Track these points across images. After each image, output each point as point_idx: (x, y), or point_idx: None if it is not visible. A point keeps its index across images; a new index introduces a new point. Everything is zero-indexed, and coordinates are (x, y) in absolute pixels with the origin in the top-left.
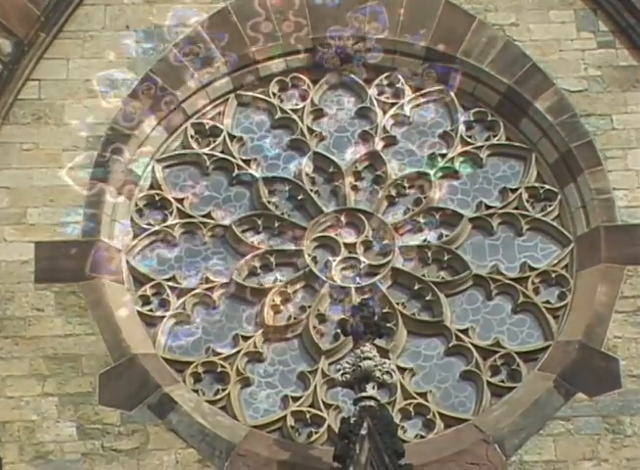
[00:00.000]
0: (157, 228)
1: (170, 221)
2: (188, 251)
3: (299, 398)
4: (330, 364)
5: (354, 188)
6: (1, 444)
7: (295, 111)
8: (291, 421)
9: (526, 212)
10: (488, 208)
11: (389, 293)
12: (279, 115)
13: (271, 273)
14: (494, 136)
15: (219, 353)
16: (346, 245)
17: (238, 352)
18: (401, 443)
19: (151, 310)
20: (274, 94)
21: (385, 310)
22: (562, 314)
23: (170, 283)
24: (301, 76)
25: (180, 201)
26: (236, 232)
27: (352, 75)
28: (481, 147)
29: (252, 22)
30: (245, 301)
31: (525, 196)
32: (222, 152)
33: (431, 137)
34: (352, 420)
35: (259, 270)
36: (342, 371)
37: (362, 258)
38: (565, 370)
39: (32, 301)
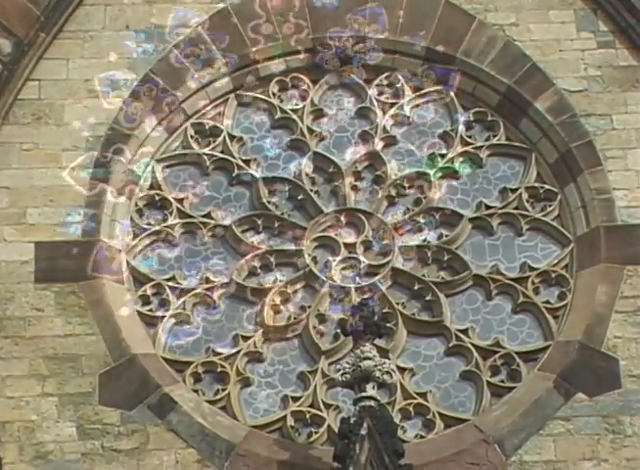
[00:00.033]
0: (157, 228)
1: (170, 221)
2: (188, 251)
3: (299, 398)
4: (330, 364)
5: (354, 188)
6: (1, 444)
7: (294, 111)
8: (291, 421)
9: (526, 212)
10: (488, 208)
11: (389, 293)
12: (279, 115)
13: (271, 273)
14: (494, 136)
15: (219, 353)
16: (346, 245)
17: (238, 352)
18: (401, 443)
19: (151, 310)
20: (274, 94)
21: (384, 310)
22: (562, 314)
23: (170, 283)
24: (301, 76)
25: (180, 201)
26: (236, 232)
27: (352, 76)
28: (481, 147)
29: (253, 23)
30: (245, 301)
31: (525, 196)
32: (222, 152)
33: (430, 137)
34: (352, 420)
35: (259, 270)
36: (341, 371)
37: (362, 258)
38: (565, 370)
39: (32, 301)
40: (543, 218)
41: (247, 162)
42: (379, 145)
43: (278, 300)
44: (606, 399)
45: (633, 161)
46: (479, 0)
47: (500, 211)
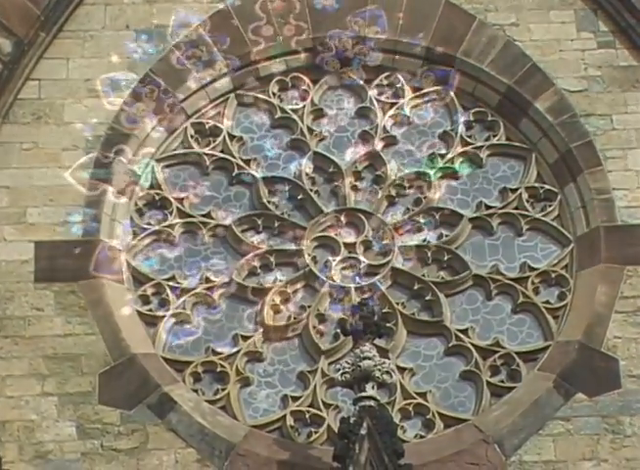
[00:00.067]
0: (157, 228)
1: (170, 221)
2: (188, 250)
3: (299, 397)
4: (329, 364)
5: (354, 188)
6: (1, 443)
7: (295, 111)
8: (290, 421)
9: (526, 212)
10: (488, 208)
11: (389, 293)
12: (279, 114)
13: (271, 273)
14: (494, 136)
15: (219, 353)
16: (346, 245)
17: (237, 351)
18: (401, 442)
19: (150, 310)
20: (274, 94)
21: (384, 310)
22: (562, 314)
23: (170, 283)
24: (301, 76)
25: (180, 201)
26: (236, 232)
27: (352, 76)
28: (481, 147)
29: (254, 25)
30: (245, 300)
31: (524, 196)
32: (222, 152)
33: (430, 137)
34: (352, 420)
35: (259, 270)
36: (341, 371)
37: (362, 258)
38: (564, 370)
39: (32, 300)
40: (543, 218)
41: (247, 161)
42: (379, 145)
43: (278, 299)
44: (606, 399)
45: (633, 161)
46: (479, 0)
47: (500, 211)
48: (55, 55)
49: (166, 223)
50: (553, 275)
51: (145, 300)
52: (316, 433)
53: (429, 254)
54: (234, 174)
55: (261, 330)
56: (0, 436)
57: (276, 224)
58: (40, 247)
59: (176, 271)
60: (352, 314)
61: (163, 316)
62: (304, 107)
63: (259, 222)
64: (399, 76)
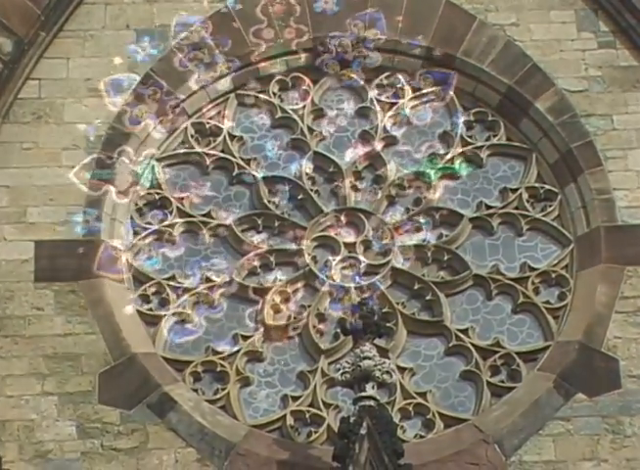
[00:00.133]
0: (157, 228)
1: (170, 221)
2: (188, 250)
3: (299, 397)
4: (329, 364)
5: (354, 188)
6: (1, 443)
7: (295, 110)
8: (290, 421)
9: (527, 213)
10: (488, 208)
11: (389, 292)
12: (279, 114)
13: (271, 273)
14: (494, 136)
15: (219, 353)
16: (346, 244)
17: (237, 351)
18: (401, 442)
19: (151, 310)
20: (274, 94)
21: (384, 310)
22: (562, 314)
23: (171, 282)
24: (302, 76)
25: (180, 200)
26: (236, 231)
27: (352, 76)
28: (482, 147)
29: (255, 28)
30: (245, 300)
31: (525, 196)
32: (222, 151)
33: (430, 137)
34: (352, 420)
35: (259, 270)
36: (341, 371)
37: (362, 258)
38: (565, 370)
39: (32, 300)
40: (543, 218)
41: (247, 161)
42: (379, 145)
43: (278, 299)
44: (606, 399)
45: (633, 161)
46: (479, 0)
47: (500, 211)
48: (55, 54)
49: (167, 223)
50: (553, 275)
51: (145, 299)
52: (316, 433)
53: (428, 254)
54: (234, 174)
55: (261, 330)
56: (0, 435)
57: (276, 224)
58: (40, 246)
59: (176, 271)
60: (352, 314)
61: (164, 316)
62: (305, 106)
63: (260, 222)
64: (400, 77)
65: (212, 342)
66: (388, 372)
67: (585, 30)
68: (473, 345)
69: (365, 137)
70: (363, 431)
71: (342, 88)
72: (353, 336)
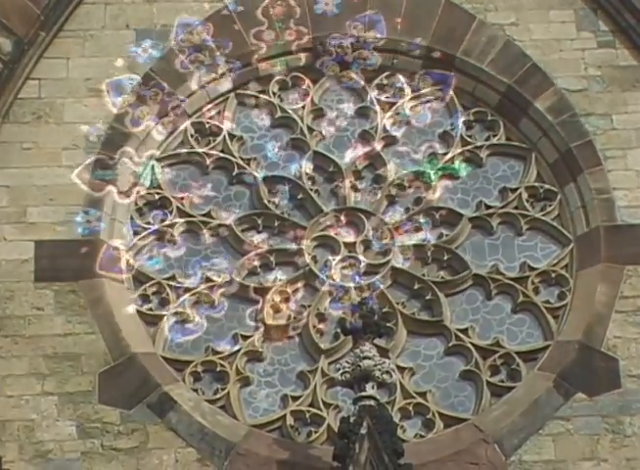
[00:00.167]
0: (157, 227)
1: (170, 221)
2: (188, 250)
3: (299, 397)
4: (329, 364)
5: (354, 188)
6: (1, 443)
7: (295, 110)
8: (290, 420)
9: (526, 212)
10: (488, 207)
11: (389, 292)
12: (279, 114)
13: (271, 272)
14: (494, 136)
15: (219, 353)
16: (346, 244)
17: (237, 351)
18: (401, 442)
19: (151, 309)
20: (274, 93)
21: (384, 310)
22: (562, 314)
23: (171, 282)
24: (302, 76)
25: (180, 200)
26: (236, 231)
27: (352, 77)
28: (481, 147)
29: (255, 30)
30: (245, 300)
31: (524, 196)
32: (222, 151)
33: (430, 137)
34: (352, 419)
35: (259, 269)
36: (341, 370)
37: (362, 258)
38: (564, 370)
39: (32, 300)
40: (543, 218)
41: (247, 161)
42: (379, 145)
43: (278, 299)
44: (606, 398)
45: (633, 161)
46: (479, 0)
47: (500, 211)
48: (55, 54)
49: (167, 223)
50: (553, 275)
51: (145, 299)
52: (316, 432)
53: (428, 253)
54: (234, 174)
55: (261, 329)
56: (0, 435)
57: (276, 224)
58: (40, 246)
59: (177, 271)
60: (352, 314)
61: (164, 316)
62: (304, 106)
63: (260, 222)
64: (399, 76)
65: (212, 341)
66: (387, 372)
67: (585, 30)
68: (472, 344)
69: (365, 137)
70: (363, 431)
71: (342, 88)
72: (353, 336)
